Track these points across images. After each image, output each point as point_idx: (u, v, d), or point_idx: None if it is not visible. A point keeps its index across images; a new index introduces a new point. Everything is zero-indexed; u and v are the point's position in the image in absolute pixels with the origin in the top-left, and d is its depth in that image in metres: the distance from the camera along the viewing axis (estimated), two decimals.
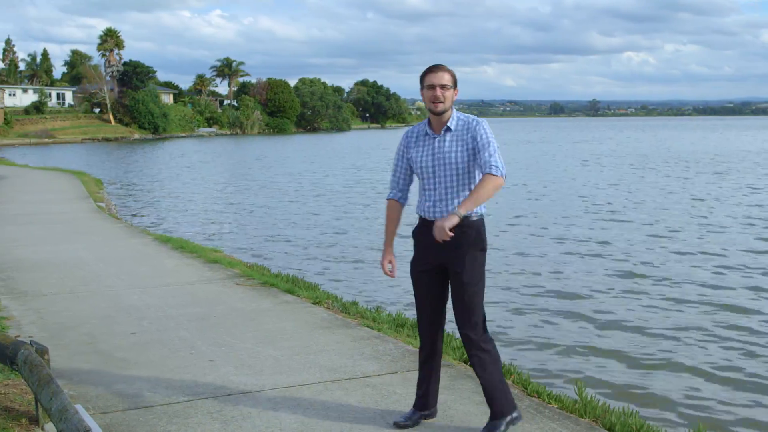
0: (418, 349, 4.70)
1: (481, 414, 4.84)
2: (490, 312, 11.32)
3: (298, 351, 6.28)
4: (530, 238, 18.02)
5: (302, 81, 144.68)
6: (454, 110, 4.49)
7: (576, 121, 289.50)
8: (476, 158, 4.36)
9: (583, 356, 9.22)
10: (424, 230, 4.47)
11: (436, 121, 4.48)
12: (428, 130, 4.51)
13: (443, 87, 4.38)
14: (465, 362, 6.21)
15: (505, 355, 8.82)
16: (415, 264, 4.57)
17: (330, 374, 5.67)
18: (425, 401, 4.72)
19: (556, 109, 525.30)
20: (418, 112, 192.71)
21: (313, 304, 8.08)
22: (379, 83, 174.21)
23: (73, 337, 6.80)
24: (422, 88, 4.47)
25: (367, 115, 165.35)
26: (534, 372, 8.01)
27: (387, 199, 4.73)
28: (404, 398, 5.11)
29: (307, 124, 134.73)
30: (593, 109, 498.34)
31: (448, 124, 4.45)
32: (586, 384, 6.38)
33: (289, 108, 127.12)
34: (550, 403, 5.18)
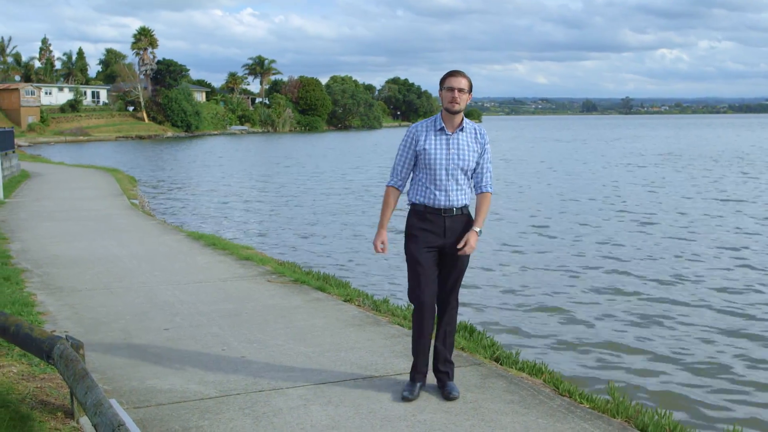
0: (421, 325, 5.08)
1: (512, 413, 4.83)
2: (522, 310, 11.25)
3: (329, 348, 6.30)
4: (558, 238, 17.90)
5: (333, 79, 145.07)
6: (463, 114, 5.06)
7: (609, 119, 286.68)
8: (477, 166, 5.05)
9: (616, 356, 9.13)
10: (428, 217, 4.99)
11: (450, 120, 5.01)
12: (443, 127, 5.00)
13: (461, 90, 4.93)
14: (496, 360, 6.20)
15: (536, 354, 8.78)
16: (417, 246, 5.02)
17: (361, 371, 5.68)
18: (425, 371, 5.17)
19: (589, 106, 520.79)
20: None
21: (344, 301, 8.10)
22: (410, 81, 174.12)
23: (107, 332, 6.89)
24: (441, 89, 5.02)
25: (398, 113, 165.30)
26: (565, 371, 7.96)
27: (387, 186, 5.17)
28: (436, 395, 5.11)
29: (339, 122, 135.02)
30: (626, 106, 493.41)
31: (463, 124, 5.02)
32: (618, 385, 6.33)
33: (320, 106, 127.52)
34: (582, 403, 5.15)
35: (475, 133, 5.05)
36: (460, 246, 4.93)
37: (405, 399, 5.05)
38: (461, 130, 5.00)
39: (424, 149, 4.97)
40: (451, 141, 4.97)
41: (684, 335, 9.95)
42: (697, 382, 8.31)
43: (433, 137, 4.99)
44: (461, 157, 4.96)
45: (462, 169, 4.96)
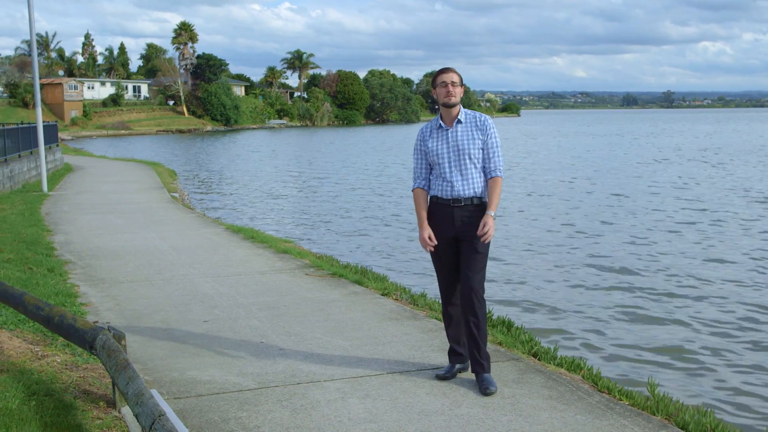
0: (443, 311, 5.47)
1: (550, 409, 4.80)
2: (560, 306, 11.16)
3: (367, 341, 6.32)
4: (596, 236, 17.73)
5: (371, 73, 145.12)
6: (461, 106, 5.32)
7: (650, 113, 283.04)
8: (484, 153, 5.23)
9: (655, 353, 9.03)
10: (440, 208, 5.25)
11: (447, 114, 5.29)
12: (441, 124, 5.31)
13: (453, 84, 5.21)
14: (534, 356, 6.17)
15: (575, 351, 8.71)
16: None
17: (398, 365, 5.68)
18: (459, 355, 5.40)
19: (629, 100, 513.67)
20: (488, 104, 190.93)
21: (382, 295, 8.11)
22: None
23: (148, 323, 6.98)
24: (435, 87, 5.30)
25: (436, 106, 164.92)
26: (603, 368, 7.89)
27: (414, 188, 5.44)
28: (474, 390, 5.09)
29: (377, 115, 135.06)
30: (668, 100, 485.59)
31: (459, 117, 5.26)
32: (658, 382, 6.25)
33: (358, 100, 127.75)
34: (621, 400, 5.09)
35: (476, 121, 5.28)
36: (480, 233, 5.07)
37: (438, 377, 5.37)
38: (459, 122, 5.25)
39: (428, 147, 5.31)
40: (450, 135, 5.25)
41: (725, 333, 9.79)
42: (740, 380, 8.18)
43: (435, 135, 5.30)
44: (461, 148, 5.19)
45: (464, 160, 5.18)
